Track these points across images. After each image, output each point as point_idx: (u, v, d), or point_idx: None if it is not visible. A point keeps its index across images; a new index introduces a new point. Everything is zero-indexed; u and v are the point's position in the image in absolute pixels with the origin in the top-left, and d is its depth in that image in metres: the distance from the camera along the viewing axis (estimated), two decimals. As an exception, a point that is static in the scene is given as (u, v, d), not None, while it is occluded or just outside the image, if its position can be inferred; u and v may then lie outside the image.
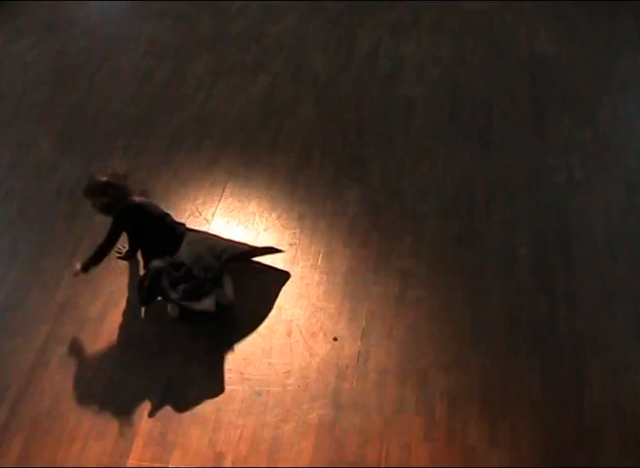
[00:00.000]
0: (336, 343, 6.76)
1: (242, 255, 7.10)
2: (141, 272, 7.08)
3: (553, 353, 6.65)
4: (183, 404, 6.43)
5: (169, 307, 6.96)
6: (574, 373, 6.52)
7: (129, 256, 7.36)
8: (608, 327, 6.84)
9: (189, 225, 7.27)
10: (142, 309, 7.07)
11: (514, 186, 8.04)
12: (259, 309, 7.05)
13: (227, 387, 6.52)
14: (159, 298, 6.82)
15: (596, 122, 8.74)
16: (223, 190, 8.04)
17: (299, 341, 6.79)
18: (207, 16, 10.57)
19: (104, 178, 6.79)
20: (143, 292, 6.77)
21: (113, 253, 7.15)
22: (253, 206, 7.94)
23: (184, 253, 6.73)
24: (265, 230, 7.68)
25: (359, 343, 6.75)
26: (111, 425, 6.31)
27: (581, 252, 7.41)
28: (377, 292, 7.14)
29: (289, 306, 7.05)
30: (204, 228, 7.55)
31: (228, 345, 6.80)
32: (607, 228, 7.61)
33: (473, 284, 7.19)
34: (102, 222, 7.66)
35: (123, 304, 7.13)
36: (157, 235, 6.86)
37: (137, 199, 6.88)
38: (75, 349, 6.83)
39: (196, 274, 6.62)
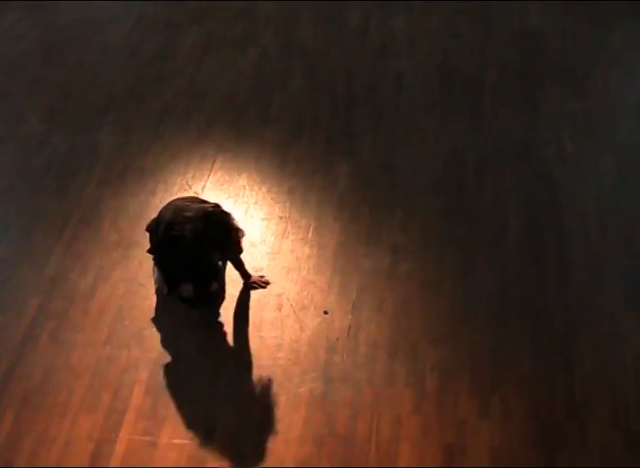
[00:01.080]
0: (326, 317, 6.76)
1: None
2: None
3: (544, 326, 6.66)
4: (174, 377, 6.43)
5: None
6: (564, 346, 6.54)
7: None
8: (598, 299, 6.85)
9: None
10: (134, 283, 7.06)
11: (505, 159, 8.02)
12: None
13: (218, 361, 6.52)
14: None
15: (587, 95, 8.72)
16: (213, 164, 8.01)
17: (289, 315, 6.79)
18: (196, -12, 10.52)
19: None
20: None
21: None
22: (243, 179, 7.91)
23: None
24: (255, 204, 7.67)
25: (349, 317, 6.75)
26: (102, 399, 6.31)
27: (572, 224, 7.41)
28: (367, 266, 7.13)
29: (279, 280, 7.05)
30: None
31: (219, 319, 6.80)
32: (597, 201, 7.61)
33: (464, 257, 7.20)
34: (92, 198, 7.69)
35: (113, 278, 7.11)
36: None
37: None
38: (65, 323, 6.81)
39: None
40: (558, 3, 10.02)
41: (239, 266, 6.87)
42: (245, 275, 6.95)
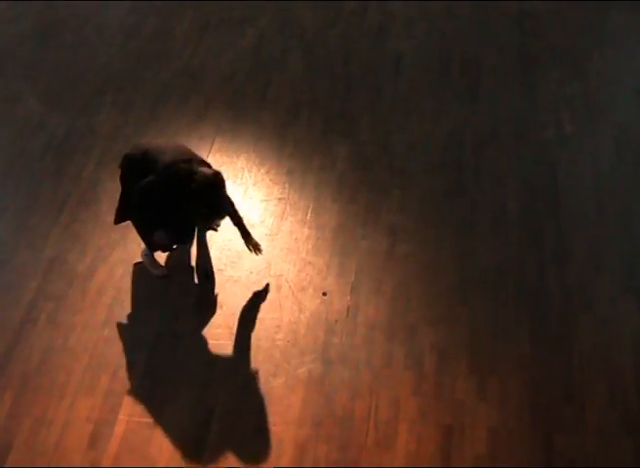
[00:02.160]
0: (325, 298, 6.76)
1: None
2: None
3: (542, 307, 6.67)
4: (173, 359, 6.44)
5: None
6: (562, 328, 6.54)
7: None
8: (596, 281, 6.85)
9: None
10: (132, 264, 7.06)
11: (503, 141, 8.02)
12: (246, 264, 7.05)
13: (216, 342, 6.53)
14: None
15: (585, 77, 8.70)
16: (212, 145, 8.00)
17: (288, 296, 6.79)
18: (193, -31, 10.48)
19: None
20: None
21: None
22: (241, 161, 7.91)
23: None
24: (254, 185, 7.67)
25: (348, 298, 6.76)
26: (101, 381, 6.32)
27: (570, 206, 7.41)
28: (365, 247, 7.13)
29: (278, 261, 7.05)
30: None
31: (217, 301, 6.80)
32: (595, 183, 7.60)
33: (462, 239, 7.19)
34: (90, 179, 7.69)
35: (112, 260, 7.12)
36: None
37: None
38: (64, 305, 6.81)
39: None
40: (557, -16, 10.00)
41: (239, 222, 6.79)
42: (245, 234, 6.83)
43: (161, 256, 7.07)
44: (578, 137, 8.03)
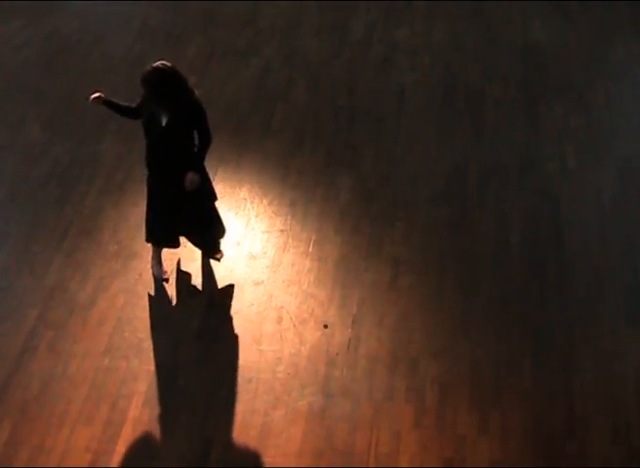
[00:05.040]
0: (326, 330, 6.74)
1: None
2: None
3: (544, 340, 6.65)
4: (172, 389, 6.41)
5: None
6: (565, 361, 6.52)
7: None
8: (599, 314, 6.84)
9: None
10: (133, 294, 7.05)
11: (507, 173, 8.02)
12: (248, 296, 7.03)
13: (217, 373, 6.50)
14: None
15: (589, 109, 8.73)
16: (215, 176, 7.97)
17: (289, 328, 6.77)
18: (199, -1, 10.54)
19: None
20: None
21: None
22: (244, 192, 7.91)
23: None
24: (257, 216, 7.66)
25: (350, 330, 6.73)
26: (100, 411, 6.28)
27: (573, 239, 7.40)
28: (368, 280, 7.12)
29: (279, 293, 7.03)
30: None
31: (218, 332, 6.78)
32: (599, 215, 7.60)
33: (465, 271, 7.18)
34: (92, 207, 7.68)
35: (113, 289, 7.10)
36: None
37: None
38: (64, 334, 6.79)
39: None
40: (561, 17, 10.03)
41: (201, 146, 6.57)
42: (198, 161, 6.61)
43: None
44: (581, 170, 8.03)
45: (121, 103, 6.71)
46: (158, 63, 6.15)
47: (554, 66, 9.32)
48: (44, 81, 9.36)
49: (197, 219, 6.87)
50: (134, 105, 6.62)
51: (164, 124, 6.28)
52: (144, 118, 6.43)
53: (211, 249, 7.15)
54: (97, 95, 6.61)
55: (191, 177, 6.36)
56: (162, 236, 6.98)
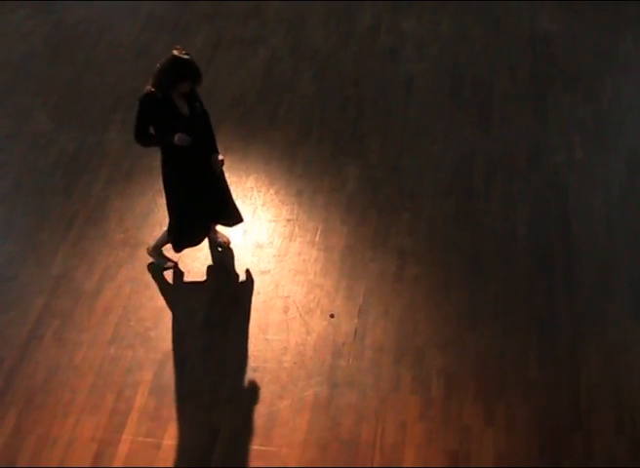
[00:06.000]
0: (332, 320, 6.73)
1: None
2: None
3: (550, 333, 6.63)
4: (178, 379, 6.40)
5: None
6: (571, 354, 6.50)
7: None
8: (606, 307, 6.81)
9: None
10: (140, 283, 7.04)
11: (514, 165, 7.99)
12: (254, 285, 7.03)
13: (223, 362, 6.49)
14: None
15: (597, 101, 8.69)
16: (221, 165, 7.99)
17: (295, 318, 6.76)
18: (207, -12, 10.50)
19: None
20: None
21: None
22: (251, 181, 7.90)
23: None
24: (263, 205, 7.65)
25: (356, 321, 6.72)
26: (106, 399, 6.29)
27: (581, 231, 7.38)
28: (374, 270, 7.10)
29: (286, 282, 7.02)
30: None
31: (224, 321, 6.78)
32: (606, 208, 7.57)
33: (471, 262, 7.16)
34: (99, 197, 7.68)
35: (119, 278, 7.10)
36: None
37: None
38: (70, 323, 6.79)
39: None
40: (569, 8, 9.99)
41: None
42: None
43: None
44: (589, 162, 8.00)
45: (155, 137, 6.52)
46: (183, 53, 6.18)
47: (562, 57, 9.28)
48: (50, 70, 9.35)
49: (224, 191, 6.91)
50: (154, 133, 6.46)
51: (188, 113, 6.33)
52: (171, 122, 6.35)
53: (237, 215, 7.15)
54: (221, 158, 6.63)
55: (217, 158, 6.53)
56: (198, 236, 7.01)
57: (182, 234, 6.87)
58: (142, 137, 6.35)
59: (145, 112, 6.24)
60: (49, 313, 6.87)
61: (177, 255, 7.18)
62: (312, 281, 7.03)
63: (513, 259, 7.18)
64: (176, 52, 6.14)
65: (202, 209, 6.76)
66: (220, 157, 6.54)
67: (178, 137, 6.15)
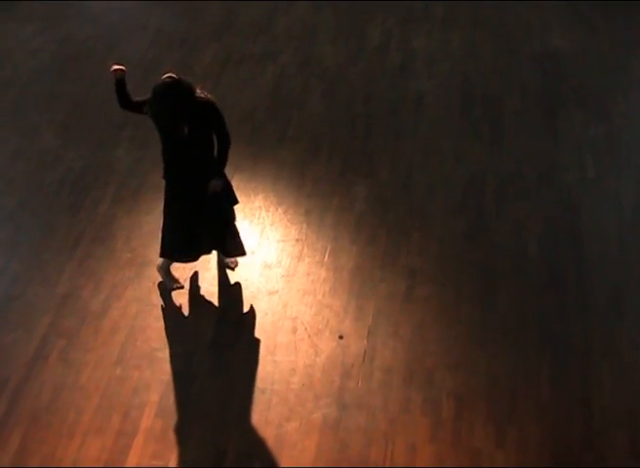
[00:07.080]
0: (341, 341, 6.67)
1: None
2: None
3: (562, 353, 6.56)
4: (186, 400, 6.35)
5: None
6: (583, 374, 6.43)
7: None
8: (619, 327, 6.75)
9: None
10: (146, 303, 6.99)
11: (525, 183, 7.95)
12: (262, 305, 6.96)
13: (230, 384, 6.43)
14: None
15: (609, 119, 8.64)
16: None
17: (303, 339, 6.70)
18: (215, 4, 10.49)
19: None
20: None
21: None
22: (259, 200, 7.85)
23: None
24: (272, 225, 7.60)
25: (365, 342, 6.66)
26: (112, 421, 6.23)
27: (593, 250, 7.32)
28: (383, 290, 7.04)
29: (294, 303, 6.96)
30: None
31: (232, 342, 6.72)
32: (619, 226, 7.52)
33: (482, 282, 7.10)
34: (105, 215, 7.64)
35: (126, 297, 7.04)
36: None
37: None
38: (76, 342, 6.74)
39: None
40: (580, 25, 9.96)
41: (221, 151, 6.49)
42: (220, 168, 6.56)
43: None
44: (601, 180, 7.95)
45: (129, 93, 6.70)
46: (165, 79, 6.16)
47: (573, 75, 9.24)
48: (58, 86, 9.33)
49: (219, 222, 6.78)
50: (139, 99, 6.62)
51: (186, 132, 6.22)
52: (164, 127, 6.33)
53: (235, 249, 7.05)
54: (121, 67, 6.61)
55: (214, 184, 6.40)
56: (181, 252, 6.90)
57: (167, 244, 6.80)
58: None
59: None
60: (55, 332, 6.81)
61: (184, 276, 7.13)
62: (321, 301, 6.97)
63: (525, 279, 7.12)
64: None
65: (191, 231, 6.69)
66: (217, 183, 6.43)
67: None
